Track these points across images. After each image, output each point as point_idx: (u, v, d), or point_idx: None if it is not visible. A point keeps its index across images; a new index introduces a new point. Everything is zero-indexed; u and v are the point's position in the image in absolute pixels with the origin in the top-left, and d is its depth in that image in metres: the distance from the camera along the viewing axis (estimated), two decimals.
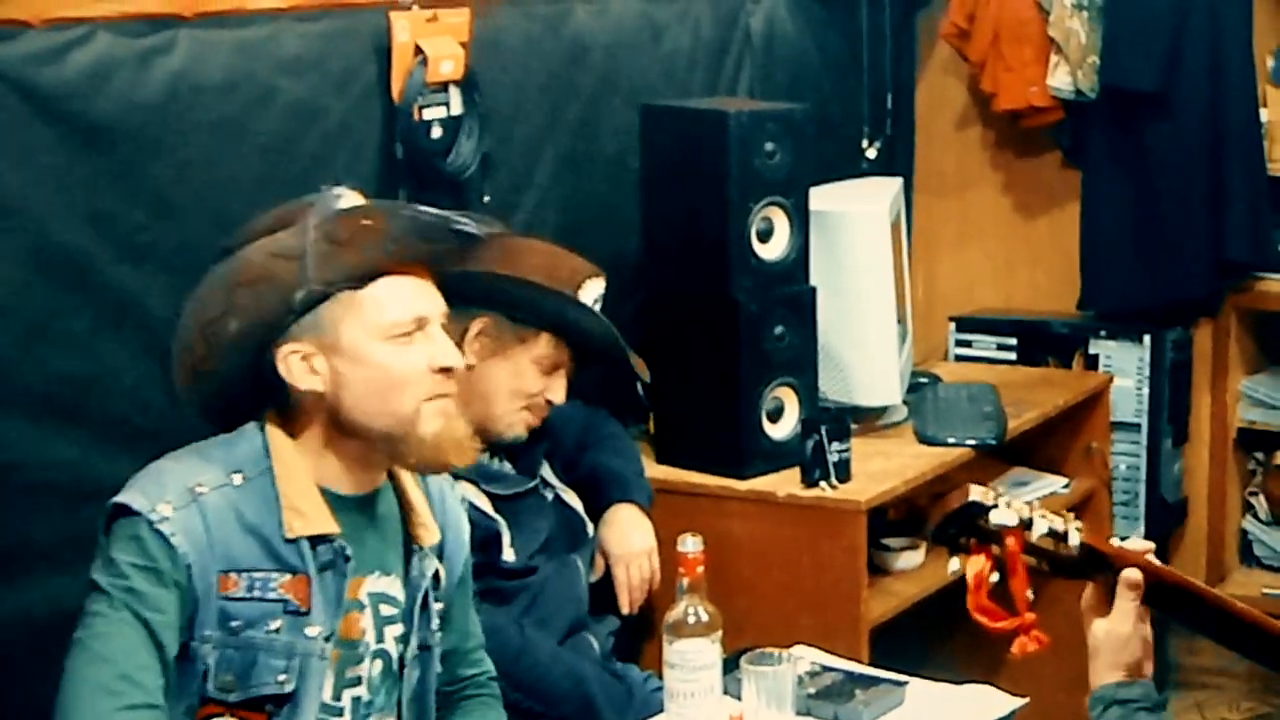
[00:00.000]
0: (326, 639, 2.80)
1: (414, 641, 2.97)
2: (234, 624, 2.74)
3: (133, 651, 2.66)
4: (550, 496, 3.76)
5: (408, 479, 2.97)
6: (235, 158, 3.39)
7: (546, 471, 3.77)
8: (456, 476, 3.47)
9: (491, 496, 3.59)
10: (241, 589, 2.74)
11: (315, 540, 2.80)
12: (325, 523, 2.81)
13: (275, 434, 2.83)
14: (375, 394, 2.79)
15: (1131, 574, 2.42)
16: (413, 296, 2.81)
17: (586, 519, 3.81)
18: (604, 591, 3.81)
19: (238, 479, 2.78)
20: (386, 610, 2.93)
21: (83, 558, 2.79)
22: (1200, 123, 5.11)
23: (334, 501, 2.84)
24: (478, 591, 3.46)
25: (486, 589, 3.50)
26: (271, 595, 2.76)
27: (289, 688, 2.77)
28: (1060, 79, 5.16)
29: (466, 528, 3.15)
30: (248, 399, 2.85)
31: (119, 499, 2.73)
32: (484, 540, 3.50)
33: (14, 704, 3.07)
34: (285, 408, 2.84)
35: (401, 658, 2.96)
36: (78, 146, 3.13)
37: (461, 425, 2.88)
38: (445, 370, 2.82)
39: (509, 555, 3.57)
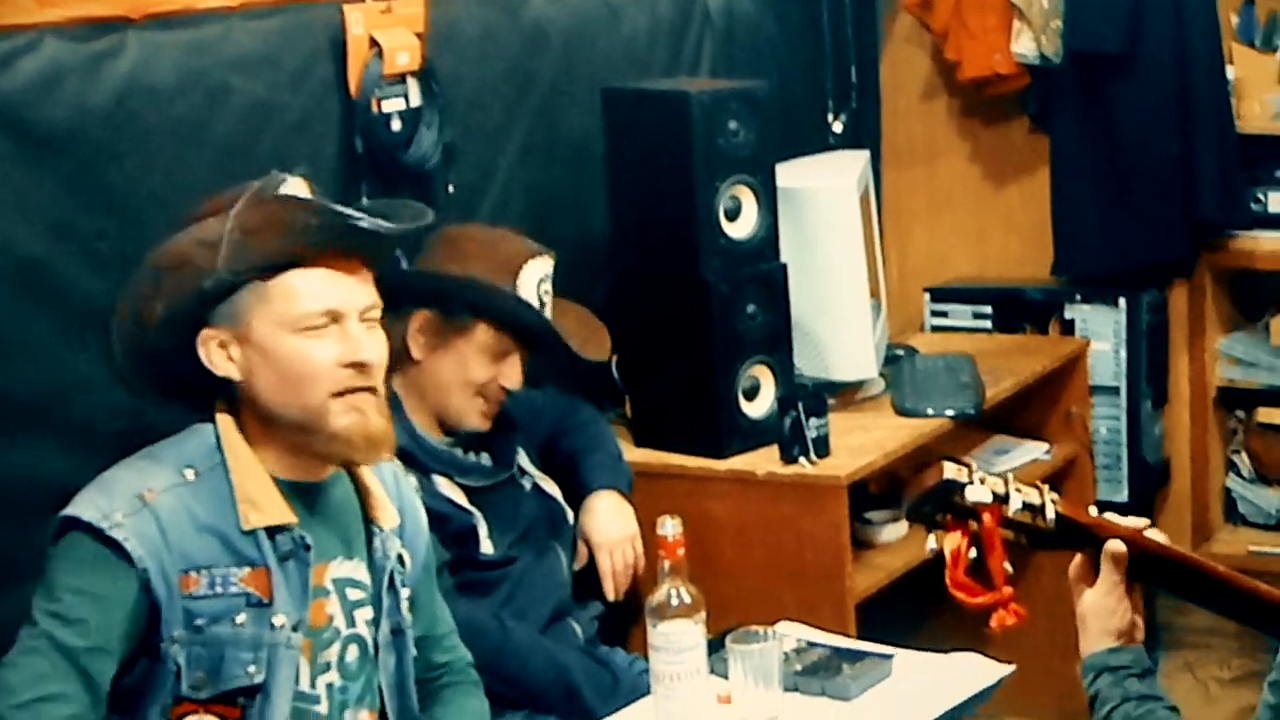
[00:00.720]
0: (294, 628, 2.80)
1: (385, 625, 2.97)
2: (198, 622, 2.74)
3: (35, 682, 2.66)
4: (529, 486, 3.75)
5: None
6: (193, 159, 3.36)
7: (524, 461, 3.76)
8: (429, 470, 3.48)
9: (467, 489, 3.58)
10: (203, 587, 2.75)
11: (273, 531, 2.80)
12: (281, 513, 2.81)
13: (226, 425, 2.84)
14: (283, 385, 2.80)
15: (1114, 545, 2.43)
16: (325, 289, 2.80)
17: (566, 507, 3.80)
18: (589, 578, 3.80)
19: (190, 474, 2.79)
20: (354, 594, 2.93)
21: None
22: (1167, 83, 5.09)
23: (287, 489, 2.84)
24: (456, 584, 3.46)
25: (465, 582, 3.50)
26: (233, 589, 2.76)
27: (258, 679, 2.77)
28: (1024, 45, 5.14)
29: (423, 513, 3.15)
30: (190, 378, 2.85)
31: (69, 511, 2.74)
32: (460, 534, 3.50)
33: None
34: (229, 395, 2.86)
35: (375, 642, 2.96)
36: (31, 155, 3.11)
37: (378, 422, 2.86)
38: (358, 365, 2.80)
39: (487, 547, 3.56)
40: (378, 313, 2.87)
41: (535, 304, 3.63)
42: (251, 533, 2.78)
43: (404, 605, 3.03)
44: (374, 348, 2.83)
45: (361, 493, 2.99)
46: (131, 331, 2.84)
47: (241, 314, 2.79)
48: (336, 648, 2.90)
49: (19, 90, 3.08)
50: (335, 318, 2.80)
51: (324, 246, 2.79)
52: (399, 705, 3.02)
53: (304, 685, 2.85)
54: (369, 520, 2.98)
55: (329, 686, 2.90)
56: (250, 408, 2.84)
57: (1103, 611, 2.46)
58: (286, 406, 2.81)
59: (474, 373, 3.58)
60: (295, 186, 2.84)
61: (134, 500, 2.73)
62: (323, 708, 2.89)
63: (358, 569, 2.94)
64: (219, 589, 2.75)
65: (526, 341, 3.65)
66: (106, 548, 2.69)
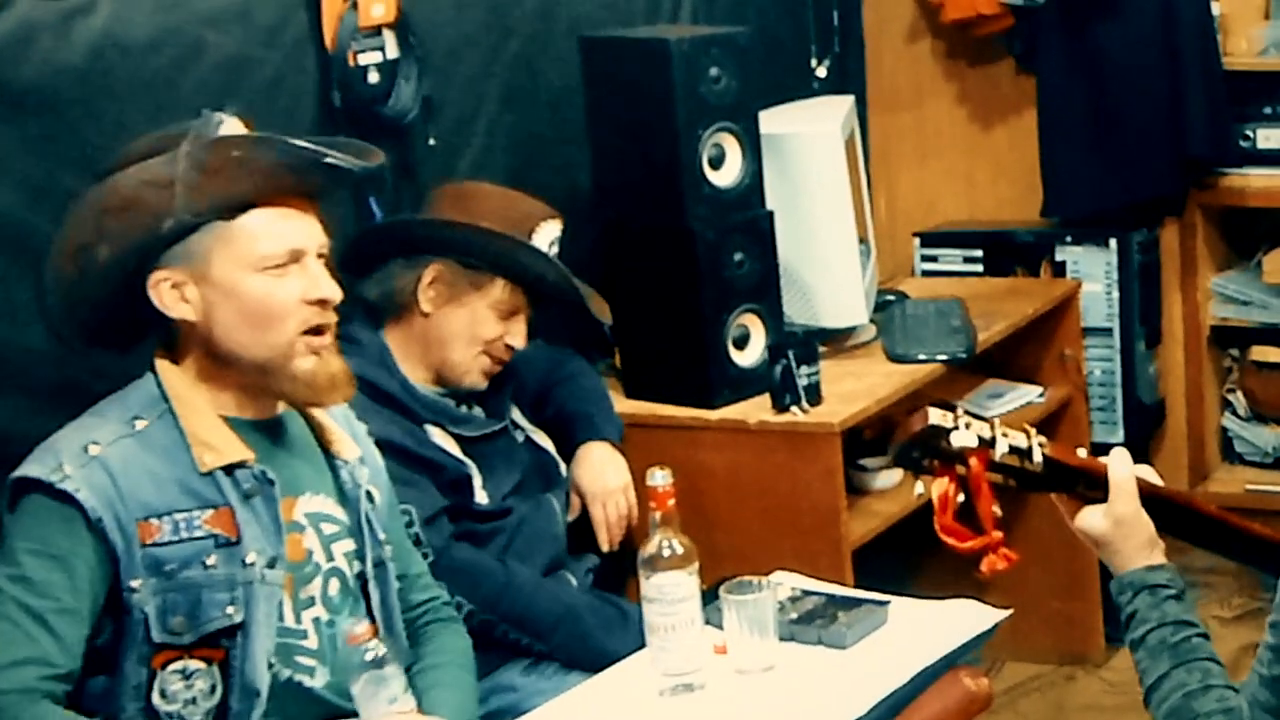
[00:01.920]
0: (270, 565, 2.80)
1: (370, 557, 2.98)
2: (168, 568, 2.73)
3: (6, 647, 2.66)
4: (521, 438, 3.74)
5: None
6: (168, 116, 3.27)
7: (515, 413, 3.75)
8: (422, 421, 3.46)
9: (460, 439, 3.56)
10: (166, 533, 2.74)
11: (231, 468, 2.79)
12: (237, 450, 2.81)
13: (167, 371, 2.83)
14: (247, 325, 2.79)
15: (1118, 470, 2.43)
16: (287, 229, 2.80)
17: (559, 459, 3.79)
18: (583, 529, 3.79)
19: (139, 425, 2.78)
20: (329, 529, 2.94)
21: None
22: (1152, 20, 5.07)
23: (239, 428, 2.84)
24: (454, 534, 3.44)
25: (462, 533, 3.51)
26: (199, 533, 2.76)
27: (238, 618, 2.77)
28: None
29: (379, 455, 3.14)
30: (126, 324, 2.85)
31: (17, 473, 2.74)
32: (455, 482, 3.50)
33: None
34: (169, 339, 2.84)
35: (361, 575, 2.97)
36: (5, 114, 3.08)
37: (338, 362, 2.87)
38: (320, 302, 2.81)
39: (481, 498, 3.55)
40: (327, 249, 2.87)
41: None
42: (210, 474, 2.78)
43: (381, 535, 3.03)
44: (332, 286, 2.83)
45: (315, 428, 2.99)
46: (71, 277, 2.81)
47: (199, 254, 2.77)
48: (318, 582, 2.91)
49: None
50: (296, 257, 2.80)
51: (288, 183, 2.79)
52: (389, 637, 3.00)
53: (289, 621, 2.85)
54: (329, 454, 2.98)
55: (315, 621, 2.90)
56: (201, 349, 2.82)
57: (1125, 524, 2.43)
58: (249, 346, 2.80)
59: (484, 329, 3.56)
60: (233, 125, 2.81)
61: (80, 454, 2.72)
62: (311, 642, 2.89)
63: (327, 503, 2.94)
64: (184, 534, 2.74)
65: (538, 301, 3.62)
66: (60, 503, 2.69)
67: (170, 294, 2.79)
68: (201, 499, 2.77)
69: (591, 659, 3.36)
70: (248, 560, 2.77)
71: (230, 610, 2.76)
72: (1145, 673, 2.40)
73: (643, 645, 3.02)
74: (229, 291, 2.78)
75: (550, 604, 3.52)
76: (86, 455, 2.72)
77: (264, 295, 2.78)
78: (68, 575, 2.68)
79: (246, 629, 2.77)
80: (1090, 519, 2.46)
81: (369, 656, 2.74)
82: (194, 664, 2.76)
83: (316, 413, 2.98)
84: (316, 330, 2.82)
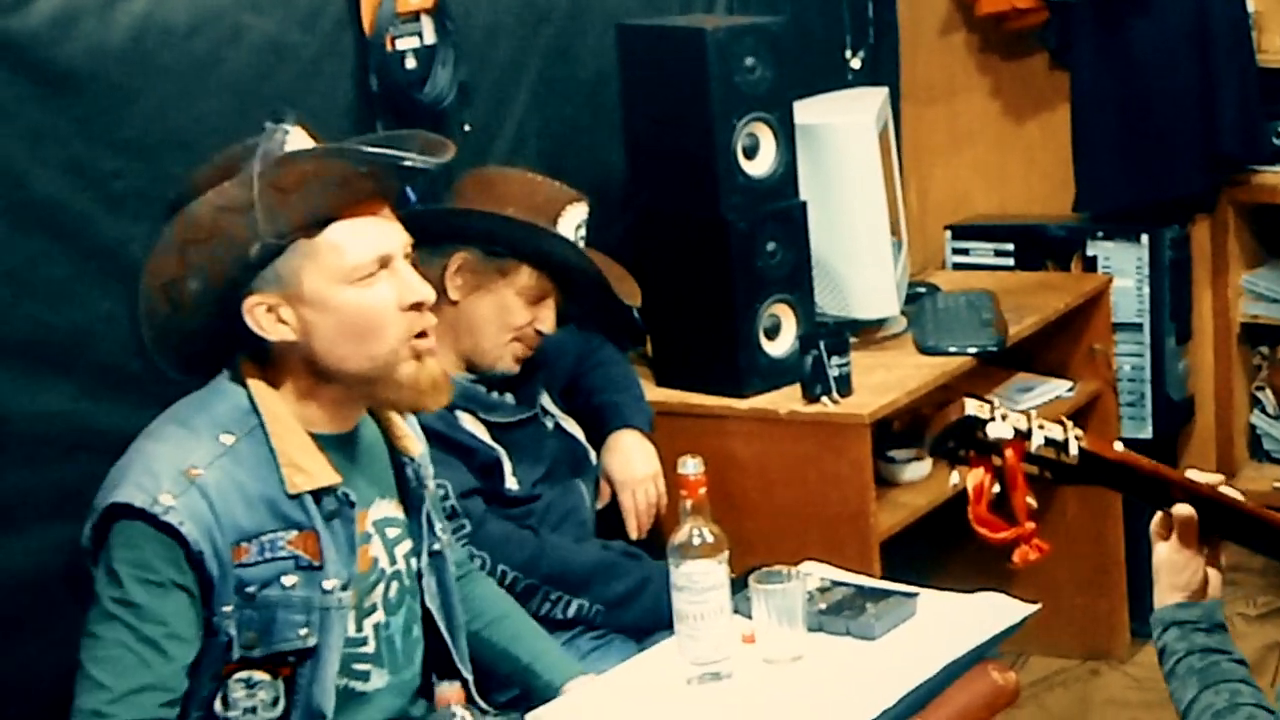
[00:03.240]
0: (344, 588, 2.80)
1: (425, 551, 2.99)
2: (249, 589, 2.72)
3: (126, 674, 2.66)
4: (550, 425, 3.75)
5: None
6: (207, 99, 3.34)
7: (546, 400, 3.76)
8: (453, 407, 3.47)
9: (490, 426, 3.57)
10: (253, 554, 2.73)
11: (318, 492, 2.78)
12: (326, 474, 2.80)
13: (259, 388, 2.80)
14: (348, 339, 2.76)
15: (1182, 510, 2.45)
16: (371, 236, 2.76)
17: (588, 446, 3.80)
18: (612, 516, 3.80)
19: (228, 440, 2.75)
20: (392, 532, 2.94)
21: (78, 509, 2.78)
22: (1187, 16, 5.07)
23: (323, 443, 2.82)
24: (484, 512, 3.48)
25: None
26: (282, 553, 2.75)
27: (311, 641, 2.77)
28: None
29: (422, 434, 3.13)
30: (224, 349, 2.82)
31: (116, 499, 2.70)
32: (485, 466, 3.52)
33: (12, 657, 3.05)
34: (262, 358, 2.82)
35: (418, 571, 2.98)
36: (48, 95, 3.08)
37: (438, 367, 2.85)
38: (416, 306, 2.79)
39: (511, 483, 3.57)
40: (410, 248, 2.84)
41: None
42: (297, 496, 2.76)
43: (438, 526, 3.04)
44: (425, 286, 2.81)
45: (384, 424, 2.98)
46: (164, 313, 2.78)
47: (289, 275, 2.73)
48: (381, 588, 2.91)
49: (35, 30, 3.05)
50: (385, 262, 2.77)
51: (365, 191, 2.75)
52: (447, 620, 3.04)
53: (350, 630, 2.85)
54: (396, 451, 2.98)
55: (376, 626, 2.91)
56: (303, 367, 2.79)
57: (1174, 567, 2.47)
58: (352, 359, 2.76)
59: (512, 316, 3.58)
60: (298, 137, 2.77)
61: (180, 479, 2.69)
62: (369, 647, 2.90)
63: (391, 506, 2.94)
64: (268, 554, 2.73)
65: (566, 286, 3.63)
66: (161, 532, 2.66)
67: (266, 318, 2.75)
68: (287, 520, 2.75)
69: (623, 601, 3.48)
70: (326, 586, 2.77)
71: (304, 633, 2.76)
72: (1179, 701, 2.43)
73: (662, 580, 3.04)
74: (324, 308, 2.74)
75: (586, 557, 3.58)
76: (186, 480, 2.68)
77: (360, 307, 2.74)
78: (175, 603, 2.67)
79: (318, 653, 2.78)
80: (1155, 547, 2.50)
81: None
82: (259, 675, 2.77)
83: (387, 409, 2.96)
84: (419, 335, 2.79)
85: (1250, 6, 5.13)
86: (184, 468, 2.70)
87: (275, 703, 2.79)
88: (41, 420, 3.06)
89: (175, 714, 2.69)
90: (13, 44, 3.03)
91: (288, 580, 2.75)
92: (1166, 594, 2.48)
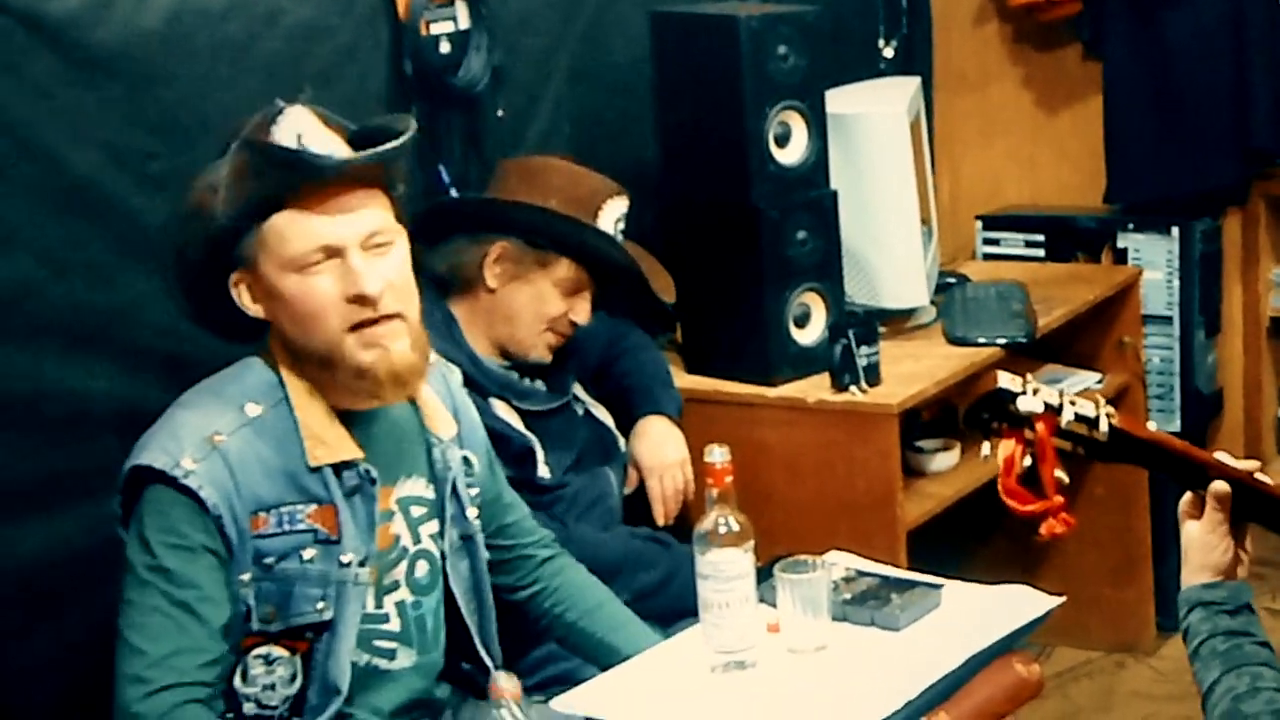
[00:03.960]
0: (362, 563, 2.81)
1: (452, 533, 2.99)
2: (267, 560, 2.75)
3: (163, 637, 2.69)
4: (581, 412, 3.76)
5: None
6: (243, 81, 3.35)
7: (576, 387, 3.77)
8: (487, 394, 3.48)
9: (523, 413, 3.59)
10: (271, 525, 2.75)
11: (339, 466, 2.80)
12: (348, 448, 2.81)
13: (286, 362, 2.83)
14: (296, 325, 2.78)
15: (1218, 486, 2.45)
16: (317, 226, 2.75)
17: (617, 433, 3.81)
18: (639, 502, 3.81)
19: (253, 410, 2.78)
20: (417, 511, 2.95)
21: (111, 488, 2.81)
22: (1220, 8, 5.07)
23: (344, 419, 2.83)
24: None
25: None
26: (300, 526, 2.77)
27: (328, 615, 2.79)
28: None
29: (475, 411, 3.15)
30: (238, 317, 2.84)
31: (140, 460, 2.73)
32: (519, 454, 3.53)
33: (54, 632, 3.08)
34: (278, 336, 2.85)
35: (443, 553, 2.98)
36: (85, 76, 3.10)
37: (403, 356, 2.80)
38: (359, 299, 2.75)
39: (543, 471, 3.59)
40: (387, 236, 2.80)
41: None
42: (318, 470, 2.78)
43: (470, 511, 3.04)
44: (375, 279, 2.76)
45: (416, 405, 2.98)
46: (180, 276, 2.85)
47: (250, 257, 2.77)
48: (403, 566, 2.92)
49: (72, 12, 3.07)
50: (332, 253, 2.75)
51: (292, 186, 2.73)
52: (477, 608, 3.05)
53: (369, 607, 2.87)
54: (425, 430, 2.98)
55: (399, 604, 2.92)
56: (282, 346, 2.83)
57: (1204, 547, 2.47)
58: (306, 344, 2.78)
59: (549, 307, 3.59)
60: (294, 115, 2.77)
61: (203, 444, 2.72)
62: (393, 625, 2.91)
63: (418, 485, 2.95)
64: (286, 526, 2.76)
65: (604, 279, 3.64)
66: (184, 495, 2.69)
67: (245, 295, 2.80)
68: (307, 493, 2.78)
69: (650, 592, 3.48)
70: (344, 560, 2.79)
71: (321, 606, 2.78)
72: (1201, 683, 2.42)
73: (688, 570, 3.05)
74: (274, 292, 2.77)
75: (613, 547, 3.60)
76: (209, 446, 2.71)
77: (300, 295, 2.75)
78: (204, 565, 2.70)
79: (334, 628, 2.80)
80: (1185, 527, 2.51)
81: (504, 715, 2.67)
82: (277, 651, 2.79)
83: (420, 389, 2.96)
84: (364, 324, 2.76)
85: None
86: (207, 434, 2.73)
87: (293, 679, 2.81)
88: (79, 399, 3.09)
89: (216, 674, 2.72)
90: (50, 26, 3.05)
91: (306, 554, 2.77)
92: (1195, 573, 2.48)
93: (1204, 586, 2.46)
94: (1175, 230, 5.16)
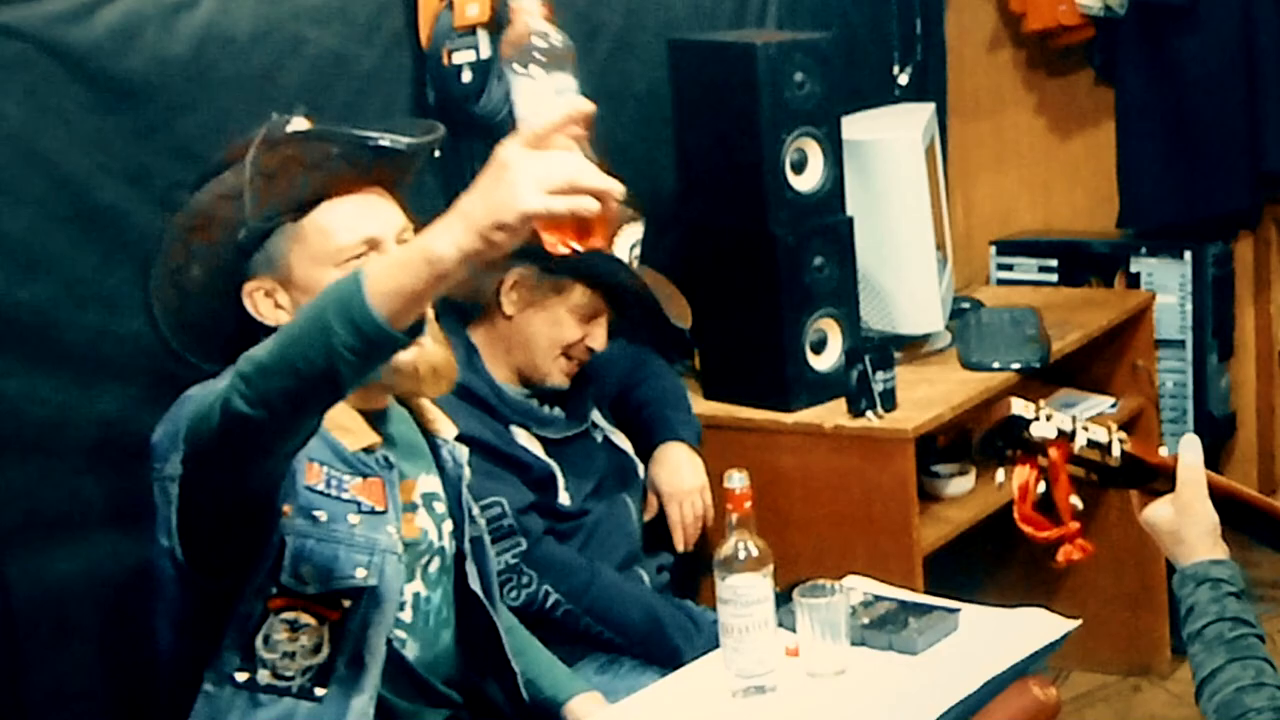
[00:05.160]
0: (403, 543, 2.82)
1: (467, 533, 3.00)
2: (316, 514, 2.74)
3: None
4: (600, 438, 3.77)
5: None
6: (266, 110, 3.32)
7: (595, 414, 3.78)
8: (508, 421, 3.50)
9: (543, 441, 3.61)
10: (322, 482, 2.75)
11: (363, 451, 2.82)
12: (368, 434, 2.83)
13: None
14: None
15: (1189, 440, 2.46)
16: (357, 218, 2.80)
17: (636, 459, 3.83)
18: (659, 529, 3.83)
19: None
20: (439, 508, 2.97)
21: (137, 516, 2.83)
22: (1232, 34, 5.07)
23: (368, 416, 2.86)
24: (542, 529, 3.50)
25: (544, 530, 3.52)
26: (346, 495, 2.77)
27: (372, 581, 2.76)
28: None
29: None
30: (236, 335, 2.84)
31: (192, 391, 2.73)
32: (540, 481, 3.54)
33: (80, 658, 3.09)
34: None
35: (460, 552, 2.99)
36: (110, 104, 3.13)
37: (440, 352, 2.85)
38: None
39: (564, 498, 3.60)
40: (411, 234, 2.83)
41: None
42: (355, 452, 2.80)
43: (475, 512, 3.06)
44: None
45: (414, 409, 3.00)
46: (173, 301, 2.86)
47: (279, 258, 2.79)
48: (424, 560, 2.93)
49: (98, 40, 3.10)
50: (373, 244, 2.80)
51: (347, 173, 2.79)
52: (495, 605, 3.05)
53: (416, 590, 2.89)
54: (429, 434, 3.01)
55: (415, 595, 2.91)
56: None
57: (1193, 514, 2.46)
58: None
59: (565, 333, 3.60)
60: (298, 125, 2.83)
61: None
62: (407, 614, 2.91)
63: (434, 482, 2.97)
64: (334, 491, 2.76)
65: (620, 305, 3.67)
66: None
67: (265, 302, 2.82)
68: (352, 466, 2.79)
69: (667, 659, 3.43)
70: (390, 530, 2.80)
71: (362, 573, 2.75)
72: (1200, 665, 2.40)
73: (713, 649, 3.06)
74: (312, 290, 2.74)
75: (632, 603, 3.58)
76: None
77: None
78: None
79: (378, 597, 2.77)
80: (1157, 510, 2.49)
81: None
82: (306, 618, 2.74)
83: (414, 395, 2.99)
84: None
85: None
86: None
87: (317, 649, 2.76)
88: (101, 427, 3.11)
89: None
90: (76, 54, 3.08)
91: (353, 519, 2.77)
92: (1196, 546, 2.46)
93: (1213, 563, 2.44)
94: (1188, 254, 5.18)
